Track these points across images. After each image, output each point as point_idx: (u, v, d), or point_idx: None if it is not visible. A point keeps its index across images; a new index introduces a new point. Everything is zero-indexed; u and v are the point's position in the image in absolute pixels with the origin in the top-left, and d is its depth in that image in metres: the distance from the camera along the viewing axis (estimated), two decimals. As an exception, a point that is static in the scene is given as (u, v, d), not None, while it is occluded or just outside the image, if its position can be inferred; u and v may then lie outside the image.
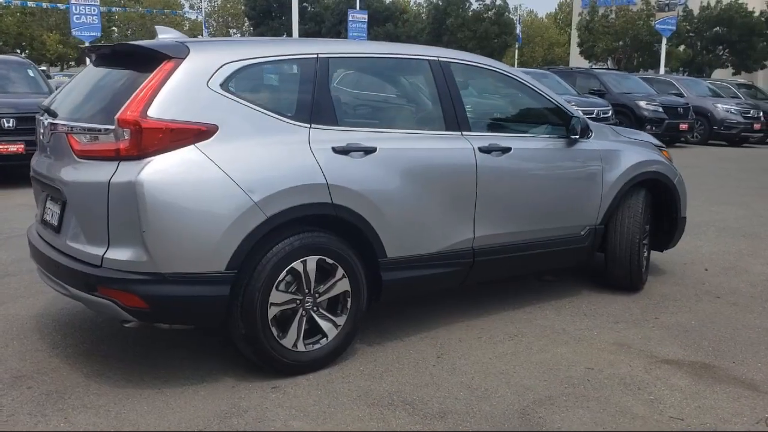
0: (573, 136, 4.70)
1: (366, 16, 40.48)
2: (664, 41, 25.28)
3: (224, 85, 3.49)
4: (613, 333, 4.40)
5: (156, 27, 3.89)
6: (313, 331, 3.74)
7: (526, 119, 4.92)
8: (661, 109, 17.14)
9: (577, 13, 43.06)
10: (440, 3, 40.26)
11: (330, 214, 3.68)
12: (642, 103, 17.22)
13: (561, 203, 4.75)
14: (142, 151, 3.25)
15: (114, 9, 50.23)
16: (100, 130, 3.34)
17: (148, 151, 3.25)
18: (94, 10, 29.77)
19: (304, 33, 49.87)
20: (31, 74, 11.47)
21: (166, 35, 3.90)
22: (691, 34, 37.68)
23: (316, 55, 3.82)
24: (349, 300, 3.82)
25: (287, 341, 3.64)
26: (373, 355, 3.99)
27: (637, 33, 31.81)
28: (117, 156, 3.28)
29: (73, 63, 57.17)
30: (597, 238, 4.99)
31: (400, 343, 4.17)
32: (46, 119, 3.75)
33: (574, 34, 40.79)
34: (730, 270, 5.99)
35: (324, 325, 3.76)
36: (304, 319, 3.69)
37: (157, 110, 3.28)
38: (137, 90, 3.32)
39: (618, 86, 18.28)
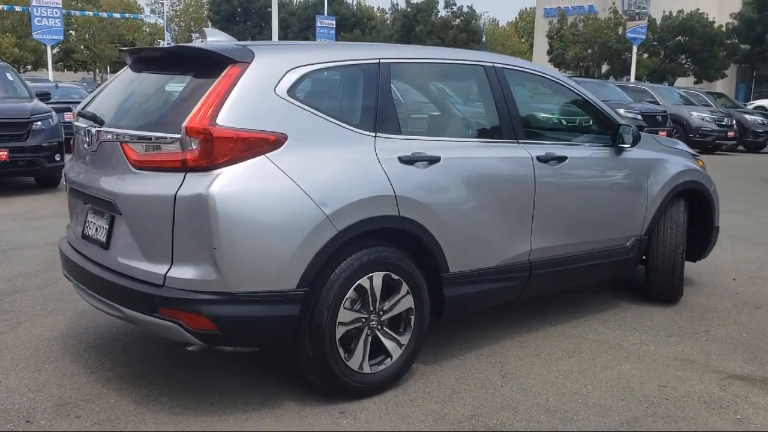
0: (624, 145, 4.58)
1: (334, 22, 40.35)
2: (635, 49, 25.62)
3: (291, 92, 3.27)
4: (670, 347, 4.29)
5: (205, 30, 3.65)
6: (377, 351, 3.54)
7: (576, 127, 4.80)
8: (640, 117, 17.29)
9: (546, 22, 43.44)
10: (408, 10, 40.28)
11: (396, 228, 3.49)
12: (621, 111, 17.33)
13: (611, 214, 4.63)
14: (212, 161, 3.02)
15: (72, 12, 49.06)
16: (163, 138, 3.09)
17: (218, 161, 3.02)
18: (56, 13, 29.01)
19: (269, 38, 49.45)
20: (10, 78, 11.01)
21: (215, 38, 3.66)
22: (654, 43, 38.37)
23: (378, 61, 3.63)
24: (413, 318, 3.63)
25: (353, 362, 3.43)
26: (433, 376, 3.80)
27: (606, 41, 32.21)
28: (183, 167, 3.04)
29: (30, 66, 55.72)
30: (642, 250, 4.88)
31: (458, 362, 3.98)
32: (92, 126, 3.47)
33: (542, 41, 41.14)
34: (758, 279, 5.95)
35: (388, 344, 3.55)
36: (369, 338, 3.49)
37: (225, 118, 3.06)
38: (204, 96, 3.08)
39: (595, 94, 18.32)
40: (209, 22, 56.98)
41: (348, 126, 3.43)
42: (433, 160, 3.62)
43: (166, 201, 3.04)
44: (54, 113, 10.16)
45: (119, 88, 3.75)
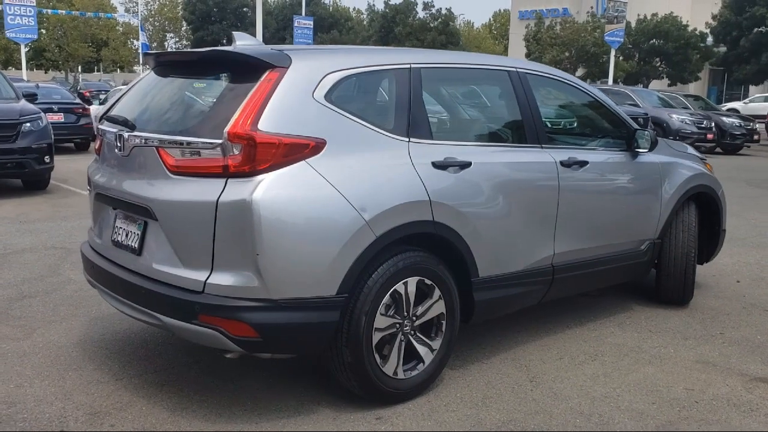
0: (642, 150, 4.63)
1: (311, 23, 40.18)
2: (613, 52, 25.90)
3: (328, 97, 3.25)
4: (689, 350, 4.33)
5: (234, 33, 3.61)
6: (410, 356, 3.54)
7: (595, 132, 4.83)
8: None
9: (521, 24, 43.75)
10: (387, 11, 40.29)
11: (430, 233, 3.49)
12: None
13: (628, 217, 4.68)
14: (254, 167, 2.99)
15: (44, 11, 48.32)
16: (203, 144, 3.06)
17: (260, 167, 2.99)
18: (30, 11, 28.54)
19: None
20: (-5, 78, 10.80)
21: (244, 41, 3.63)
22: (629, 46, 38.81)
23: (409, 65, 3.62)
24: (444, 323, 3.63)
25: (388, 368, 3.42)
26: (461, 380, 3.80)
27: (583, 44, 32.53)
28: (225, 173, 3.01)
29: (-1, 66, 54.73)
30: (655, 253, 4.93)
31: (484, 366, 3.99)
32: (122, 131, 3.41)
33: (518, 43, 41.44)
34: (761, 281, 6.04)
35: (421, 349, 3.55)
36: (403, 344, 3.48)
37: (267, 123, 3.03)
38: (244, 101, 3.05)
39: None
40: (184, 22, 56.46)
41: (383, 131, 3.42)
42: (465, 165, 3.63)
43: (207, 207, 3.00)
44: (43, 114, 10.01)
45: (146, 92, 3.70)
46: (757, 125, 23.01)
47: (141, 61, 45.58)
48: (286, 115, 3.11)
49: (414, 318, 3.50)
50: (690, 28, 38.04)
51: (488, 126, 4.30)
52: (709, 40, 34.62)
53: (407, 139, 3.48)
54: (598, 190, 4.45)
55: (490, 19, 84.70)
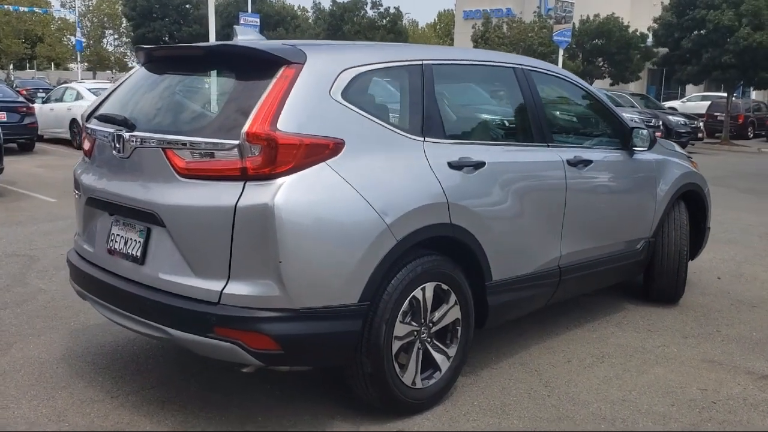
0: (641, 148, 4.59)
1: (258, 20, 39.42)
2: (561, 52, 26.20)
3: (345, 95, 3.08)
4: (692, 349, 4.31)
5: (235, 27, 3.42)
6: (426, 364, 3.40)
7: (594, 130, 4.78)
8: (575, 118, 17.67)
9: (467, 24, 44.00)
10: (335, 9, 39.97)
11: (448, 236, 3.36)
12: (558, 112, 17.70)
13: (627, 216, 4.65)
14: (275, 169, 2.80)
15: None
16: (218, 145, 2.85)
17: (280, 169, 2.81)
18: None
19: (190, 36, 48.10)
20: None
21: (246, 36, 3.44)
22: (573, 45, 39.42)
23: (421, 62, 3.48)
24: (459, 329, 3.50)
25: (407, 378, 3.28)
26: (475, 387, 3.68)
27: (531, 44, 32.85)
28: (243, 175, 2.81)
29: None
30: (650, 251, 4.91)
31: (494, 372, 3.88)
32: (120, 131, 3.17)
33: (463, 43, 41.63)
34: (740, 277, 6.11)
35: (437, 357, 3.42)
36: (420, 351, 3.34)
37: (286, 123, 2.84)
38: (262, 100, 2.85)
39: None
40: (124, 19, 54.87)
41: (399, 130, 3.27)
42: (479, 165, 3.51)
43: (225, 212, 2.80)
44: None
45: (142, 90, 3.46)
46: (701, 123, 23.71)
47: (78, 59, 44.08)
48: (304, 114, 2.93)
49: (431, 325, 3.37)
50: (631, 29, 38.91)
51: (498, 124, 4.20)
52: (650, 40, 35.42)
53: (422, 139, 3.34)
54: (602, 190, 4.40)
55: (434, 19, 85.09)
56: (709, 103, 31.76)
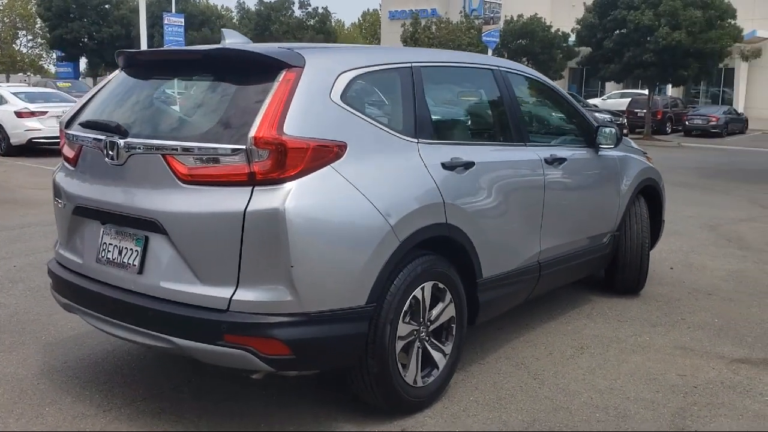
0: (608, 145, 4.76)
1: (182, 20, 38.53)
2: (490, 52, 26.73)
3: (344, 98, 3.09)
4: (662, 337, 4.50)
5: (223, 30, 3.37)
6: (425, 363, 3.44)
7: (563, 129, 4.92)
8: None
9: (395, 24, 44.25)
10: (262, 9, 39.52)
11: (444, 235, 3.41)
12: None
13: (596, 211, 4.81)
14: (283, 174, 2.79)
15: None
16: (223, 150, 2.81)
17: (288, 174, 2.80)
18: None
19: (111, 36, 46.67)
20: None
21: (233, 39, 3.40)
22: (499, 45, 40.22)
23: (410, 64, 3.52)
24: (454, 326, 3.56)
25: (409, 377, 3.31)
26: (467, 383, 3.74)
27: (459, 44, 33.36)
28: (250, 180, 2.79)
29: None
30: (615, 245, 5.09)
31: (483, 367, 3.96)
32: (111, 137, 3.08)
33: (394, 44, 41.88)
34: (691, 267, 6.40)
35: (435, 355, 3.47)
36: (420, 350, 3.38)
37: (291, 127, 2.84)
38: (266, 104, 2.83)
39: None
40: (39, 19, 52.76)
41: (394, 132, 3.31)
42: (469, 165, 3.58)
43: (233, 218, 2.77)
44: None
45: (129, 95, 3.37)
46: (624, 120, 24.60)
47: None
48: (308, 118, 2.92)
49: (428, 323, 3.42)
50: (552, 30, 40.00)
51: (482, 125, 4.28)
52: (572, 40, 36.46)
53: (416, 140, 3.38)
54: (574, 186, 4.54)
55: (359, 19, 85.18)
56: (629, 100, 32.96)
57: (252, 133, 2.77)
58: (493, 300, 3.83)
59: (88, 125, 3.29)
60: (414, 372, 3.33)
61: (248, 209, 2.76)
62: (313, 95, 2.98)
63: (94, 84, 40.24)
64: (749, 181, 13.84)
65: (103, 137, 3.13)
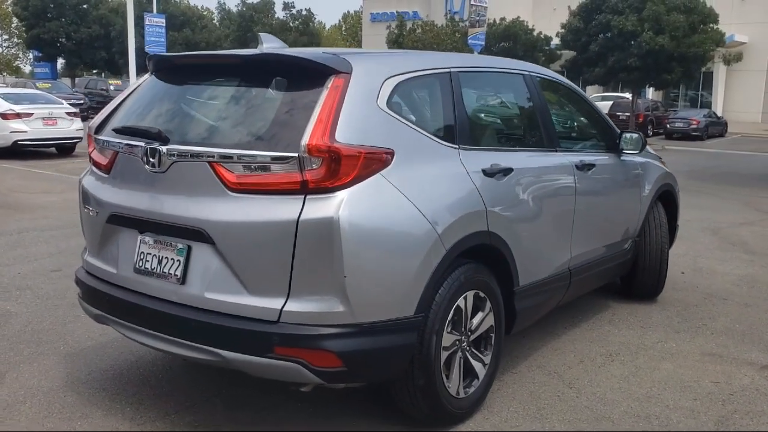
0: (633, 151, 4.74)
1: (164, 21, 38.25)
2: (476, 55, 26.80)
3: (389, 104, 3.03)
4: (688, 344, 4.49)
5: (260, 35, 3.29)
6: (466, 373, 3.39)
7: (589, 134, 4.89)
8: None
9: (379, 26, 44.25)
10: (244, 10, 39.24)
11: (485, 243, 3.36)
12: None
13: (620, 217, 4.79)
14: (336, 182, 2.72)
15: None
16: (276, 158, 2.73)
17: (341, 182, 2.73)
18: None
19: (89, 36, 46.09)
20: None
21: (271, 44, 3.32)
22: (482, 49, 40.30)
23: (449, 70, 3.47)
24: (493, 336, 3.51)
25: (452, 388, 3.26)
26: (504, 393, 3.69)
27: (444, 48, 33.40)
28: (303, 189, 2.71)
29: None
30: (635, 250, 5.08)
31: (516, 376, 3.91)
32: (150, 143, 2.99)
33: (377, 46, 41.86)
34: (701, 272, 6.41)
35: (476, 365, 3.42)
36: (462, 361, 3.33)
37: (343, 134, 2.77)
38: (317, 111, 2.76)
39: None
40: (15, 18, 52.04)
41: (437, 139, 3.25)
42: (507, 171, 3.54)
43: (286, 227, 2.70)
44: None
45: (165, 101, 3.28)
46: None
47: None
48: (357, 125, 2.86)
49: (469, 333, 3.36)
50: (535, 32, 40.21)
51: (517, 130, 4.25)
52: (554, 43, 36.67)
53: (457, 147, 3.33)
54: (602, 192, 4.53)
55: (339, 21, 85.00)
56: (610, 103, 33.19)
57: (305, 140, 2.70)
58: (529, 308, 3.79)
59: (124, 131, 3.19)
60: (456, 383, 3.28)
61: (301, 218, 2.68)
62: (361, 102, 2.92)
63: (73, 85, 39.79)
64: (740, 184, 13.97)
65: (141, 144, 3.04)
